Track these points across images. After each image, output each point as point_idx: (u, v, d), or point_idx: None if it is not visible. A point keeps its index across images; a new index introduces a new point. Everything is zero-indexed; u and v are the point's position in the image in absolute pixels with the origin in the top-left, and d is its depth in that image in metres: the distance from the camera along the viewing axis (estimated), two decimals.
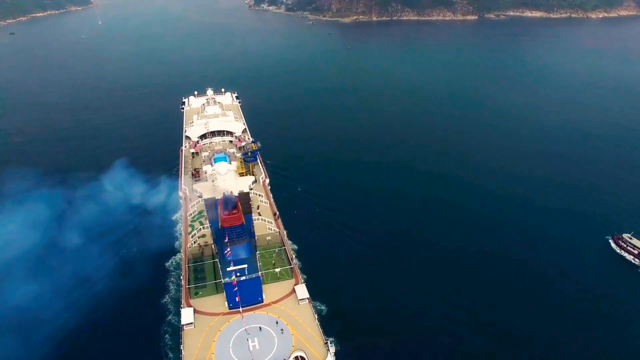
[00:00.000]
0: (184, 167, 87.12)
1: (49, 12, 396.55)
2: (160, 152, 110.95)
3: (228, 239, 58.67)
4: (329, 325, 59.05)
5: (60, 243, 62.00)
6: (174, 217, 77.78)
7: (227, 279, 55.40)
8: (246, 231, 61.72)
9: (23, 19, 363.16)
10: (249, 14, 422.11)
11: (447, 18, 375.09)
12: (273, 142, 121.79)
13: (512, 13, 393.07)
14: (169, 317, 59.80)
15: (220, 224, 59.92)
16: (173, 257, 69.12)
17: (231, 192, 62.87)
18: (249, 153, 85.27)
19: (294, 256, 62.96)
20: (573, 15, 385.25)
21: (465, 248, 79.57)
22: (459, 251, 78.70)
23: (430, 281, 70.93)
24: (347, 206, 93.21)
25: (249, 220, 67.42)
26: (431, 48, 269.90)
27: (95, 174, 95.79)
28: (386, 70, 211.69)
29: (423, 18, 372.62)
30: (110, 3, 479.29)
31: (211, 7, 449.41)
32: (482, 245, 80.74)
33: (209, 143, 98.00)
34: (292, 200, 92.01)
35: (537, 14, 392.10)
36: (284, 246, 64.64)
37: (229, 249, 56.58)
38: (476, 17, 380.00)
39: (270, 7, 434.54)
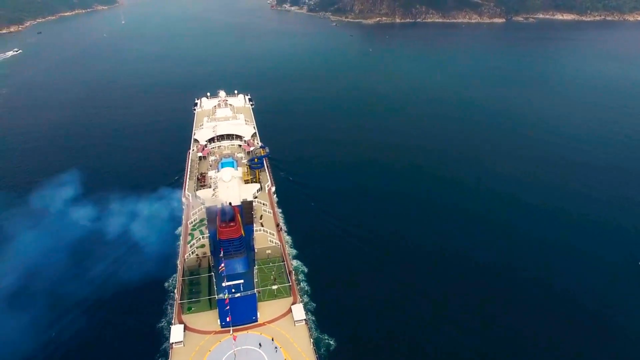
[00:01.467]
0: (190, 171, 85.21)
1: (76, 12, 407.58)
2: (170, 155, 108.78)
3: (224, 253, 55.85)
4: (325, 350, 55.73)
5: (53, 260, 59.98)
6: (177, 231, 75.24)
7: (221, 295, 52.82)
8: (244, 244, 58.86)
9: (52, 18, 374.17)
10: (270, 14, 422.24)
11: (473, 21, 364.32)
12: (284, 146, 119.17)
13: (541, 16, 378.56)
14: (161, 334, 56.99)
15: (217, 236, 57.46)
16: (173, 275, 65.18)
17: (229, 203, 59.78)
18: (256, 159, 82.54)
19: (293, 272, 59.63)
20: (608, 18, 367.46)
21: (492, 265, 74.36)
22: (484, 268, 73.47)
23: (450, 306, 65.29)
24: (359, 217, 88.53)
25: (250, 232, 64.65)
26: (456, 52, 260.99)
27: (97, 180, 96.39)
28: (407, 75, 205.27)
29: (448, 20, 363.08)
30: (136, 2, 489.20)
31: (233, 7, 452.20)
32: (508, 261, 76.03)
33: (218, 147, 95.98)
34: (299, 207, 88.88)
35: (568, 16, 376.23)
36: (285, 261, 61.43)
37: (222, 265, 53.72)
38: (503, 19, 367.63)
39: (292, 8, 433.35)
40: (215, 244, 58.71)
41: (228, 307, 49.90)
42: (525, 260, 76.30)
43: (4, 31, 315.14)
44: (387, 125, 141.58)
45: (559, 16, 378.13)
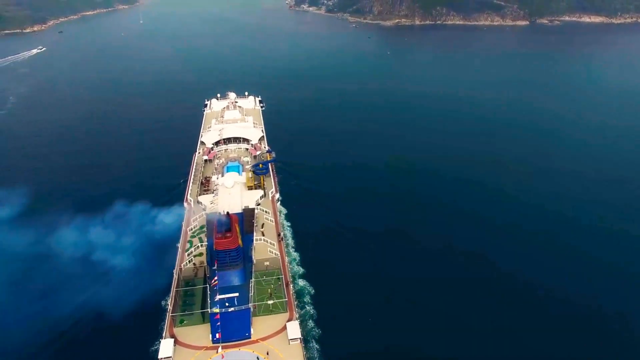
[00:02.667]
0: (194, 175, 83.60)
1: (98, 11, 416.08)
2: (177, 157, 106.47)
3: (218, 264, 53.83)
4: None
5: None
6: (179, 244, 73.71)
7: (214, 309, 50.76)
8: (241, 255, 56.69)
9: (74, 17, 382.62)
10: (288, 15, 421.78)
11: (495, 23, 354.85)
12: (294, 150, 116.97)
13: (567, 18, 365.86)
14: (151, 348, 54.94)
15: (213, 246, 55.50)
16: (169, 284, 62.11)
17: (226, 212, 57.73)
18: (260, 165, 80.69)
19: (292, 286, 57.00)
20: None
21: (526, 285, 70.22)
22: (514, 287, 69.67)
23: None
24: (375, 230, 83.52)
25: (249, 241, 62.60)
26: (476, 55, 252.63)
27: (99, 187, 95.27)
28: (425, 78, 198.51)
29: (469, 23, 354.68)
30: (156, 2, 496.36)
31: (251, 7, 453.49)
32: (520, 267, 73.21)
33: (224, 150, 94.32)
34: (307, 215, 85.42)
35: (596, 19, 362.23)
36: (283, 274, 58.90)
37: (216, 278, 51.61)
38: (527, 22, 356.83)
39: (311, 8, 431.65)
40: (212, 254, 56.80)
41: (219, 324, 47.84)
42: (531, 262, 74.67)
43: (28, 30, 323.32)
44: (404, 130, 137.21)
45: (586, 18, 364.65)
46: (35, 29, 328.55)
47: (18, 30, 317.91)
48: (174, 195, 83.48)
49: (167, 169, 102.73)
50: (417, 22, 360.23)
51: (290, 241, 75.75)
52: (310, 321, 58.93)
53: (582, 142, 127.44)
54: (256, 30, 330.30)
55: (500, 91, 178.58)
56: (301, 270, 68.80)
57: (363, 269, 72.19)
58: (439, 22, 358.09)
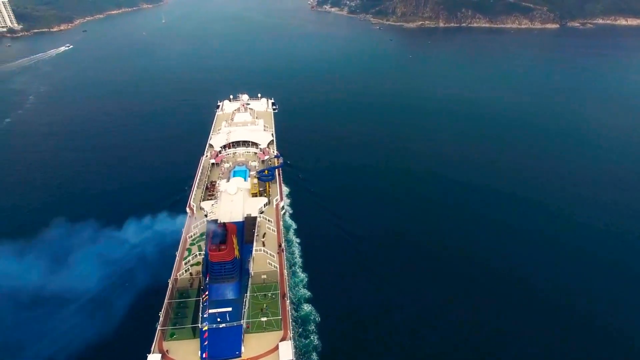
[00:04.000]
0: (199, 179, 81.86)
1: (122, 10, 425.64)
2: (185, 160, 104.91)
3: (211, 277, 51.60)
4: None
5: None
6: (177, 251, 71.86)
7: (205, 325, 48.56)
8: (237, 268, 54.28)
9: (100, 16, 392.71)
10: (310, 16, 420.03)
11: (522, 26, 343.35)
12: (306, 154, 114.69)
13: (601, 21, 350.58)
14: None
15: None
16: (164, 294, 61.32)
17: (222, 223, 55.34)
18: (266, 171, 78.14)
19: (288, 302, 54.10)
20: None
21: (547, 295, 67.99)
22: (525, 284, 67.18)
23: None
24: (390, 242, 79.80)
25: (248, 253, 60.15)
26: (502, 60, 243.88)
27: (100, 188, 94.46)
28: (448, 84, 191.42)
29: (495, 26, 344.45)
30: (180, 1, 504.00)
31: (273, 7, 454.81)
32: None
33: (233, 154, 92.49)
34: (315, 225, 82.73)
35: (634, 21, 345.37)
36: (281, 289, 56.10)
37: (206, 293, 49.32)
38: (557, 25, 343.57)
39: (333, 9, 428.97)
40: (208, 264, 54.62)
41: (207, 343, 45.51)
42: (541, 267, 73.48)
43: (55, 29, 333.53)
44: (425, 137, 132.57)
45: (622, 21, 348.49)
46: (62, 27, 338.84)
47: (46, 30, 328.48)
48: (180, 199, 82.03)
49: (175, 172, 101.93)
50: (441, 25, 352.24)
51: (298, 259, 72.47)
52: (314, 354, 56.17)
53: (618, 151, 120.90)
54: (276, 31, 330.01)
55: (527, 97, 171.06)
56: (307, 293, 65.26)
57: (379, 298, 66.44)
58: (463, 24, 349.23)
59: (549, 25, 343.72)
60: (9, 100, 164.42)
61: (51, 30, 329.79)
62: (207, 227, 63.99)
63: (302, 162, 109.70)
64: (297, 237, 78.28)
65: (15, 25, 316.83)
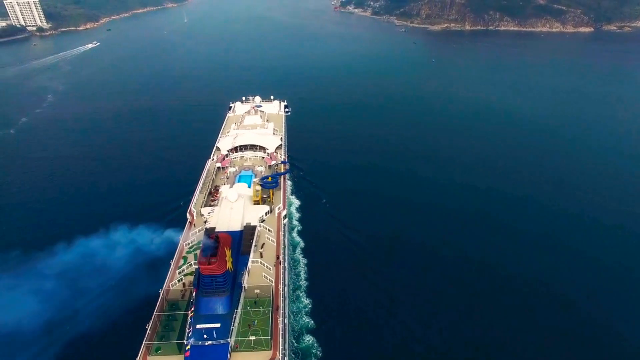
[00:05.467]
0: (203, 183, 79.91)
1: (147, 9, 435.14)
2: (193, 164, 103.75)
3: (201, 290, 49.19)
4: None
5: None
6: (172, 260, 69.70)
7: (191, 341, 46.18)
8: (229, 281, 51.56)
9: (125, 15, 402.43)
10: (333, 16, 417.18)
11: (554, 30, 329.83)
12: (317, 160, 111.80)
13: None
14: None
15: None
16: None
17: (216, 234, 52.79)
18: (269, 178, 75.49)
19: (280, 321, 51.11)
20: None
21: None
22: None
23: None
24: (406, 265, 74.52)
25: (243, 265, 57.45)
26: (532, 66, 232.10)
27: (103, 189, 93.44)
28: (472, 91, 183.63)
29: (524, 29, 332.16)
30: (203, 0, 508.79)
31: (296, 7, 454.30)
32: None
33: (240, 157, 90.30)
34: (323, 238, 79.26)
35: None
36: (274, 304, 53.17)
37: (192, 310, 46.89)
38: (591, 29, 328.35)
39: (356, 10, 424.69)
40: (199, 276, 52.30)
41: None
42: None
43: (81, 28, 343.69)
44: (444, 143, 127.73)
45: None
46: (88, 26, 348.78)
47: (73, 28, 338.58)
48: (183, 204, 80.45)
49: (186, 173, 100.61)
50: (467, 28, 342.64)
51: (303, 282, 68.42)
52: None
53: None
54: (298, 32, 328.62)
55: (558, 107, 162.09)
56: (310, 322, 61.24)
57: (397, 338, 60.69)
58: (491, 27, 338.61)
59: (582, 29, 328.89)
60: (29, 99, 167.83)
61: (77, 29, 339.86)
62: (206, 233, 61.91)
63: (314, 169, 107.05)
64: (304, 257, 74.28)
65: (45, 24, 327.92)
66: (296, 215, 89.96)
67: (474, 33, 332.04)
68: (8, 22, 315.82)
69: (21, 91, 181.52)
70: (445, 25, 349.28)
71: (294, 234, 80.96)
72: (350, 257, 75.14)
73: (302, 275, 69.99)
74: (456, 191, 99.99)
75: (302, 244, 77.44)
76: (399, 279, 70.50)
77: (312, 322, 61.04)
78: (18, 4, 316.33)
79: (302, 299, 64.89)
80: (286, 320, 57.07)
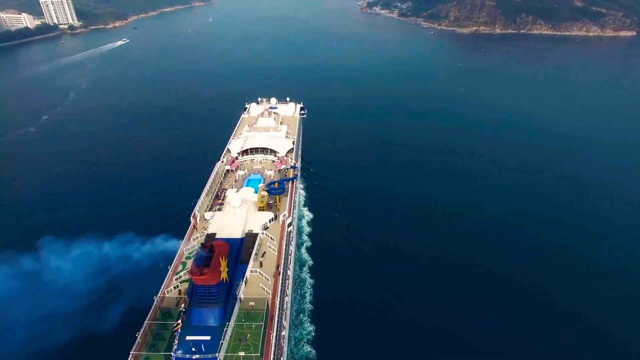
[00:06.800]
0: (210, 186, 78.35)
1: (175, 8, 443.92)
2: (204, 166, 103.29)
3: (193, 300, 47.25)
4: None
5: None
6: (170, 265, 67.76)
7: (179, 353, 44.21)
8: (223, 292, 49.35)
9: (153, 13, 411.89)
10: (358, 17, 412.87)
11: (591, 34, 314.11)
12: (332, 164, 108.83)
13: None
14: None
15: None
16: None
17: (210, 244, 50.65)
18: (276, 184, 73.04)
19: (273, 337, 48.44)
20: None
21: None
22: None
23: None
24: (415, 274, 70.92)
25: (240, 275, 55.18)
26: (565, 73, 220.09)
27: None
28: (499, 98, 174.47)
29: (559, 33, 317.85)
30: None
31: (322, 7, 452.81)
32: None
33: (250, 160, 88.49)
34: (334, 256, 75.60)
35: None
36: (269, 318, 50.56)
37: (179, 322, 44.89)
38: (634, 33, 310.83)
39: (383, 11, 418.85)
40: (192, 285, 50.38)
41: None
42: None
43: (110, 26, 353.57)
44: (466, 150, 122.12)
45: None
46: (116, 24, 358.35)
47: (101, 27, 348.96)
48: (194, 205, 79.13)
49: (194, 176, 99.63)
50: (498, 31, 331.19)
51: (307, 305, 64.23)
52: None
53: None
54: (322, 33, 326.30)
55: (595, 119, 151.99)
56: (312, 352, 57.28)
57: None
58: (522, 31, 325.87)
59: (622, 33, 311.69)
60: (52, 97, 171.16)
61: (106, 27, 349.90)
62: (206, 239, 60.22)
63: (330, 176, 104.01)
64: (311, 277, 70.12)
65: (75, 22, 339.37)
66: (307, 229, 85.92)
67: (504, 37, 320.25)
68: (43, 20, 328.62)
69: (47, 88, 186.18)
70: (475, 28, 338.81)
71: (303, 250, 77.28)
72: (365, 283, 68.60)
73: (308, 298, 65.63)
74: (492, 202, 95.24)
75: (310, 262, 73.19)
76: (427, 319, 61.65)
77: (314, 352, 56.79)
78: (52, 3, 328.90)
79: (306, 325, 60.74)
80: (284, 333, 54.50)
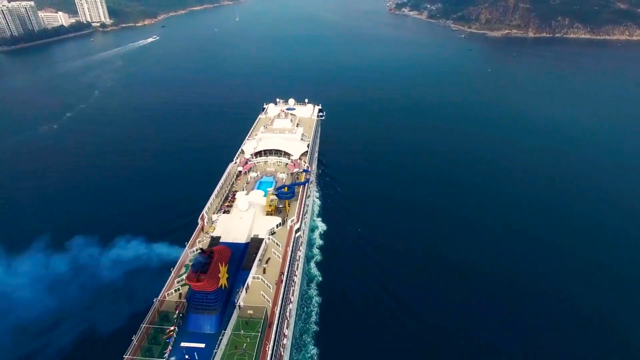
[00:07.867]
0: (221, 187, 77.38)
1: (204, 6, 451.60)
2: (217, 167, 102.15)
3: (190, 306, 46.06)
4: None
5: None
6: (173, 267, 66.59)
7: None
8: (222, 299, 47.97)
9: (182, 11, 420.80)
10: (387, 19, 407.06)
11: (633, 38, 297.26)
12: (350, 170, 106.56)
13: None
14: None
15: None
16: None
17: (210, 250, 49.23)
18: (285, 188, 71.18)
19: (269, 348, 46.50)
20: None
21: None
22: None
23: None
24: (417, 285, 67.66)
25: (241, 281, 53.55)
26: (604, 80, 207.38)
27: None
28: (529, 106, 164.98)
29: (597, 37, 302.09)
30: None
31: (350, 8, 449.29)
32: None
33: (263, 162, 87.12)
34: (346, 271, 73.03)
35: None
36: (268, 328, 48.67)
37: (172, 328, 43.64)
38: None
39: (411, 13, 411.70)
40: (191, 290, 49.17)
41: None
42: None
43: (140, 24, 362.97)
44: (486, 170, 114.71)
45: None
46: (145, 22, 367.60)
47: (132, 24, 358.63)
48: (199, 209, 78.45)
49: (208, 176, 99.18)
50: (531, 35, 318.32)
51: (312, 326, 61.04)
52: None
53: None
54: (349, 33, 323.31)
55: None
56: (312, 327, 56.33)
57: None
58: (557, 35, 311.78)
59: None
60: (77, 94, 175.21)
61: (136, 25, 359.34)
62: (211, 243, 59.18)
63: (348, 182, 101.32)
64: (318, 294, 66.96)
65: (107, 20, 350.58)
66: (318, 241, 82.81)
67: (538, 41, 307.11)
68: (77, 18, 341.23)
69: (74, 85, 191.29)
70: (506, 31, 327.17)
71: (312, 264, 74.45)
72: (381, 307, 63.79)
73: (314, 317, 62.64)
74: (527, 214, 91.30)
75: (319, 278, 70.01)
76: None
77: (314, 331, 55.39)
78: (87, 1, 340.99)
79: (309, 347, 57.82)
80: (285, 342, 52.57)
